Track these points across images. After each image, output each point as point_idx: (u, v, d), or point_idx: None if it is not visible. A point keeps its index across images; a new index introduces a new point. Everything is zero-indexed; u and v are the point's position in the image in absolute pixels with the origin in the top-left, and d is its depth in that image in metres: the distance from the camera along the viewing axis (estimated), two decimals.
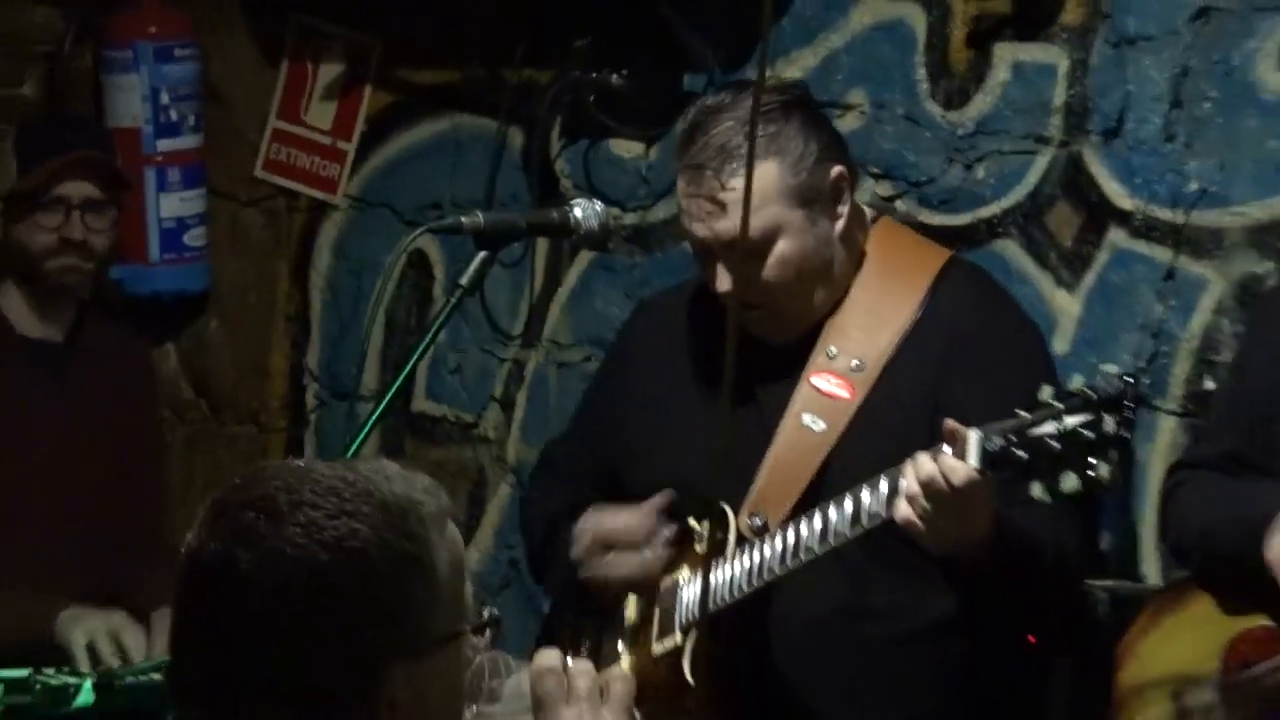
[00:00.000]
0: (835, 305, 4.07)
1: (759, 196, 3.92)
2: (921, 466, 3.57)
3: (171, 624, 2.43)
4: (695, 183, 4.00)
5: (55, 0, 5.74)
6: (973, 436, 3.53)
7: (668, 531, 4.09)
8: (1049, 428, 3.47)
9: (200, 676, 2.40)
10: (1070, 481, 3.45)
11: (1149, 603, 4.10)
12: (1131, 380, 3.50)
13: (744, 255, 3.94)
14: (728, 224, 3.93)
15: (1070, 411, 3.46)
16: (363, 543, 2.34)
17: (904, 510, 3.60)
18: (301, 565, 2.32)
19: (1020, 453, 3.48)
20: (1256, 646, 3.72)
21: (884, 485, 3.67)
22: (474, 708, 2.79)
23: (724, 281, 3.98)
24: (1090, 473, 3.45)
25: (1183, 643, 3.86)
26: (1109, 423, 3.43)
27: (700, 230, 4.01)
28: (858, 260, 4.10)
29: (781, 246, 3.97)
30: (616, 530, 4.13)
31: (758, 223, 3.93)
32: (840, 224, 4.05)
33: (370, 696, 2.35)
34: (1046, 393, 3.51)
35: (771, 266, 3.97)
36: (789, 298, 4.03)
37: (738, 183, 3.90)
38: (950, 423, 3.58)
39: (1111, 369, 3.56)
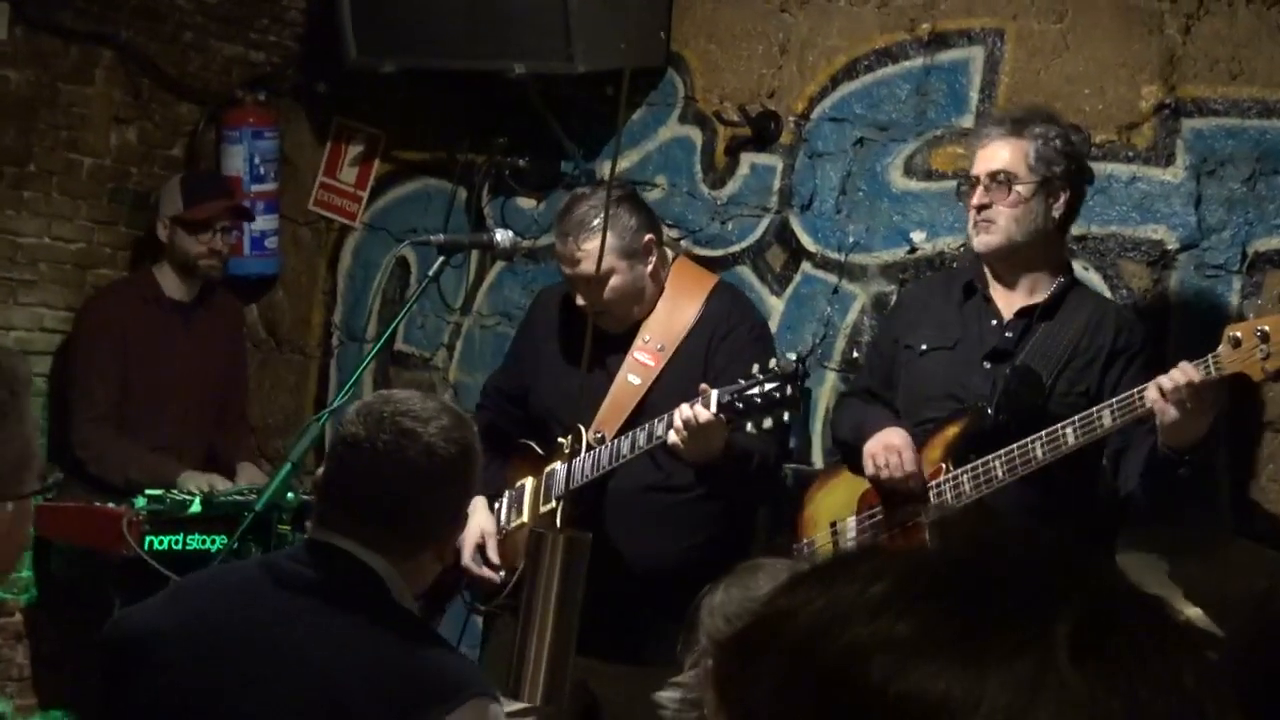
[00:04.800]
0: (648, 312, 4.04)
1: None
2: (683, 412, 3.60)
3: (327, 476, 2.53)
4: (563, 242, 3.98)
5: (195, 99, 5.63)
6: (713, 394, 3.57)
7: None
8: (755, 390, 3.51)
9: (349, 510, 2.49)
10: (767, 422, 3.51)
11: (818, 475, 4.16)
12: (803, 361, 3.57)
13: (591, 286, 3.90)
14: (581, 269, 3.91)
15: (768, 380, 3.51)
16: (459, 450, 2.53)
17: (672, 438, 3.64)
18: (429, 455, 2.48)
19: (739, 405, 3.52)
20: (871, 498, 3.79)
21: (663, 422, 3.69)
22: None
23: (581, 299, 3.97)
24: (780, 416, 3.51)
25: (835, 496, 3.90)
26: (788, 389, 3.48)
27: (566, 270, 4.00)
28: (661, 287, 4.06)
29: (613, 282, 3.95)
30: (487, 530, 4.12)
31: (598, 268, 3.93)
32: (649, 269, 4.02)
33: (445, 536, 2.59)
34: (755, 369, 3.54)
35: (608, 292, 3.95)
36: (618, 310, 4.00)
37: (589, 245, 3.86)
38: (703, 385, 3.62)
39: (791, 355, 3.59)
